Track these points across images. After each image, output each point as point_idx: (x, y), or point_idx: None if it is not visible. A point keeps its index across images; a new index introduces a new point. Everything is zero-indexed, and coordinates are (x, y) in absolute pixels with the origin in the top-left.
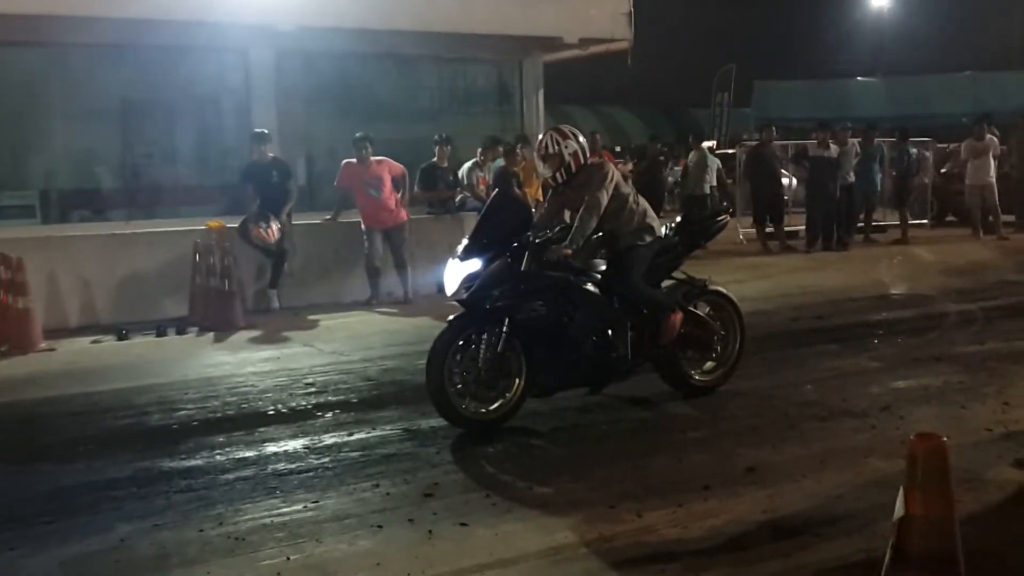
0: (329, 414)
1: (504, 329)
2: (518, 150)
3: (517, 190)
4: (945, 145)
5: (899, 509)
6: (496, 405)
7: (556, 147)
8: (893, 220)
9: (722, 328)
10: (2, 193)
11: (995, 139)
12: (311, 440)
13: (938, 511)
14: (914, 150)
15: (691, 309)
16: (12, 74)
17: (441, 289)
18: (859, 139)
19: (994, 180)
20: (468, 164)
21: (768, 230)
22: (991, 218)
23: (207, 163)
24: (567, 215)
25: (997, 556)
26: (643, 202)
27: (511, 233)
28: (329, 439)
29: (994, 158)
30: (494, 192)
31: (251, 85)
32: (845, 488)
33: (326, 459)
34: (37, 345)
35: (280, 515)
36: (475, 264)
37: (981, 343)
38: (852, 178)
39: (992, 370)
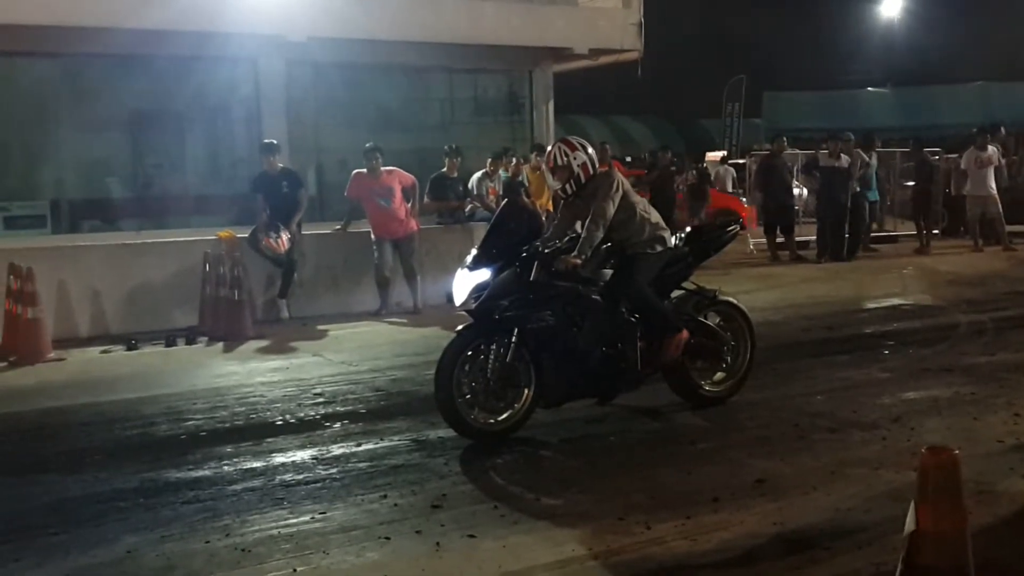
0: (337, 425)
1: (513, 339)
2: (534, 158)
3: (526, 199)
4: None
5: (910, 523)
6: (505, 416)
7: (565, 159)
8: (904, 231)
9: (732, 339)
10: (13, 203)
11: (996, 150)
12: (319, 451)
13: (950, 525)
14: (936, 159)
15: (701, 320)
16: (23, 84)
17: (450, 299)
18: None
19: (995, 191)
20: (478, 174)
21: (779, 240)
22: (998, 228)
23: (217, 173)
24: (579, 226)
25: (1009, 569)
26: (654, 212)
27: (520, 243)
28: (337, 450)
29: (997, 169)
30: (503, 202)
31: (261, 95)
32: (856, 500)
33: (334, 470)
34: (46, 355)
35: (287, 526)
36: (484, 274)
37: (992, 354)
38: (858, 188)
39: (1003, 381)
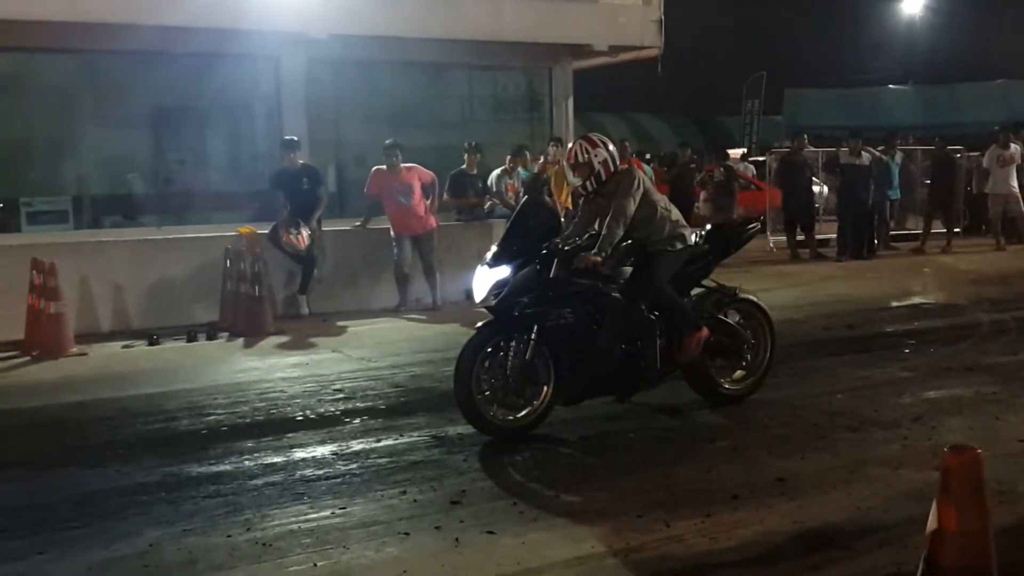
0: (357, 420)
1: (532, 336)
2: (552, 151)
3: (547, 198)
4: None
5: (932, 522)
6: (524, 412)
7: (586, 156)
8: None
9: (752, 337)
10: (35, 198)
11: (1019, 148)
12: (339, 446)
13: (972, 525)
14: (958, 156)
15: (721, 317)
16: (46, 80)
17: (470, 296)
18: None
19: (1017, 190)
20: (497, 171)
21: (799, 238)
22: (1020, 227)
23: (238, 169)
24: (599, 224)
25: None
26: (674, 210)
27: (540, 240)
28: (357, 445)
29: (1019, 167)
30: (523, 199)
31: (282, 92)
32: (876, 500)
33: (354, 465)
34: (69, 349)
35: (308, 521)
36: (504, 271)
37: (1014, 353)
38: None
39: None
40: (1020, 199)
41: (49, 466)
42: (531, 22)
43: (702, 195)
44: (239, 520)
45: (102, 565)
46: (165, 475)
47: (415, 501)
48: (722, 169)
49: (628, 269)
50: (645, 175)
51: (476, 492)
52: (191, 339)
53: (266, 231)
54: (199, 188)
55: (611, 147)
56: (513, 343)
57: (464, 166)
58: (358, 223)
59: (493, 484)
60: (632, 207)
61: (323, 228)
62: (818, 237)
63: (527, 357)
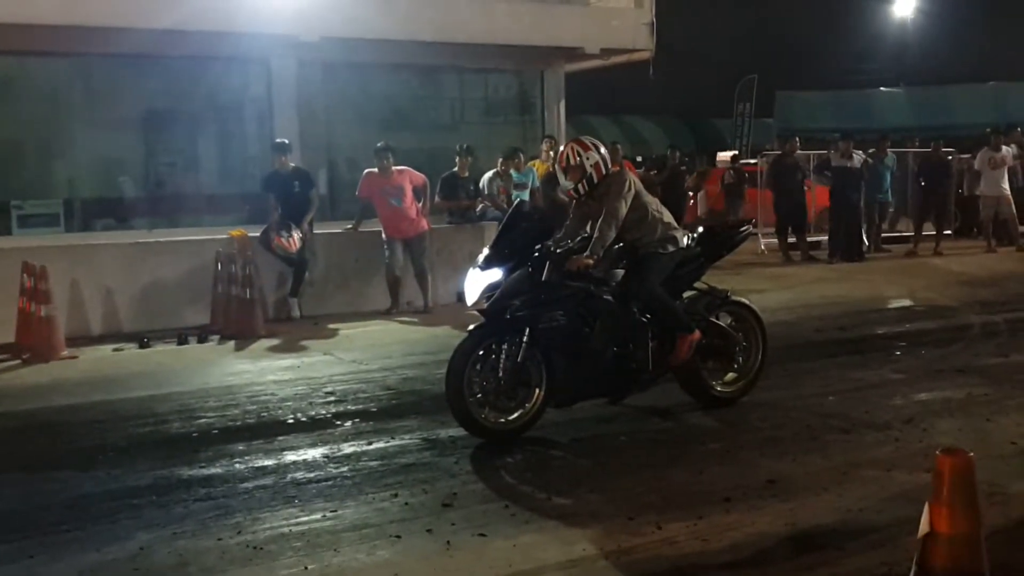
0: (348, 423)
1: (524, 339)
2: (544, 150)
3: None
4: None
5: (924, 525)
6: (515, 415)
7: (577, 159)
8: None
9: (744, 339)
10: (26, 201)
11: (1011, 150)
12: (330, 449)
13: (964, 527)
14: (948, 158)
15: (712, 320)
16: (37, 83)
17: (461, 298)
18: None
19: (1009, 192)
20: (489, 174)
21: (790, 240)
22: (1012, 229)
23: (229, 172)
24: (591, 226)
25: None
26: (666, 212)
27: (532, 243)
28: (348, 448)
29: (1011, 169)
30: (516, 202)
31: (273, 95)
32: (868, 501)
33: (345, 468)
34: (59, 353)
35: (298, 524)
36: (496, 274)
37: (1005, 355)
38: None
39: (1017, 383)
40: (1011, 201)
41: (40, 469)
42: (523, 25)
43: (700, 196)
44: (230, 523)
45: (93, 568)
46: (156, 478)
47: (406, 504)
48: (732, 171)
49: (620, 272)
50: (636, 177)
51: (467, 495)
52: (182, 342)
53: (257, 234)
54: (190, 191)
55: (602, 150)
56: (505, 346)
57: (456, 169)
58: (349, 226)
59: (485, 487)
60: (624, 209)
61: (314, 231)
62: (809, 239)
63: (519, 360)
